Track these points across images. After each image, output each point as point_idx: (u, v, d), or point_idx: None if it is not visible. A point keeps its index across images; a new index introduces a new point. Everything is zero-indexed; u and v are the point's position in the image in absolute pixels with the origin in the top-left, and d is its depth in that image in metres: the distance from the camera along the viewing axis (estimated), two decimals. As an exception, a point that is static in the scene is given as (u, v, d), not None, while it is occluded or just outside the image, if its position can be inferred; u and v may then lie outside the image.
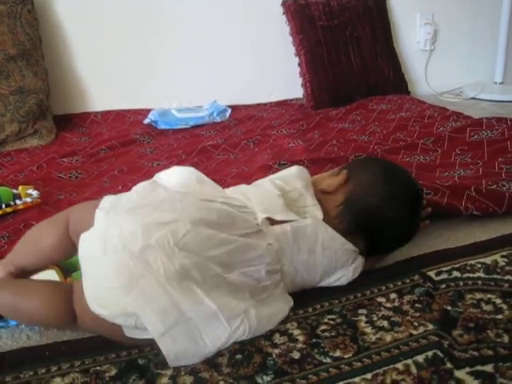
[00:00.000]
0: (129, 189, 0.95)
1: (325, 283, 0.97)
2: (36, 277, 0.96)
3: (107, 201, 0.89)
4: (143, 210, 0.85)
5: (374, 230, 0.98)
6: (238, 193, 0.96)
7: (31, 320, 0.89)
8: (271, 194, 0.96)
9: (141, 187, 0.92)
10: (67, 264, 1.00)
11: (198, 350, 0.78)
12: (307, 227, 0.92)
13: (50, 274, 0.98)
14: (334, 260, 0.95)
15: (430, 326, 0.86)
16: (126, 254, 0.79)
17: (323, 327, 0.87)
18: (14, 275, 0.93)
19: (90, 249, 0.84)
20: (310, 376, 0.77)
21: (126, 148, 1.89)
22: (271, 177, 1.04)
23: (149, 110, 2.19)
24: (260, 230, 0.90)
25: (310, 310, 0.92)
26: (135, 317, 0.79)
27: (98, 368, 0.80)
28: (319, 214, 0.96)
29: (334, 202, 0.99)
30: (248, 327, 0.81)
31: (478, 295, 0.93)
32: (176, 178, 0.96)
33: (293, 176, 1.03)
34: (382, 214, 0.97)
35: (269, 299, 0.88)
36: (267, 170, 1.48)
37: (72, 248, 0.89)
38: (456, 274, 1.00)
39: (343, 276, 0.97)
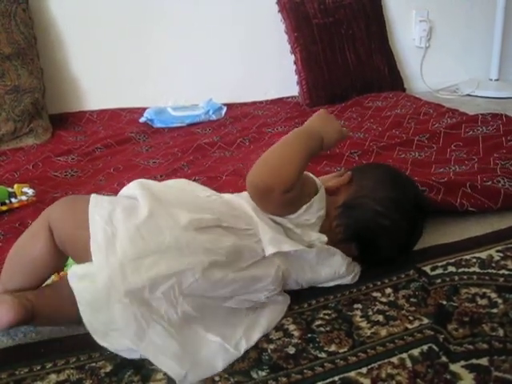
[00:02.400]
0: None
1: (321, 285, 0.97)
2: None
3: (100, 228, 0.79)
4: (149, 259, 0.78)
5: (368, 237, 0.95)
6: (241, 214, 0.90)
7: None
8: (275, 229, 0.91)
9: (142, 224, 0.80)
10: None
11: (213, 373, 0.78)
12: (310, 251, 0.91)
13: None
14: (337, 275, 0.95)
15: (426, 320, 0.86)
16: (133, 306, 0.76)
17: (318, 322, 0.87)
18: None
19: (91, 295, 0.78)
20: (305, 371, 0.77)
21: (122, 146, 1.90)
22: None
23: (144, 109, 2.20)
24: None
25: (306, 305, 0.92)
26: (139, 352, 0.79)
27: (94, 364, 0.80)
28: (324, 240, 0.92)
29: (333, 204, 0.97)
30: (253, 342, 0.82)
31: (473, 289, 0.94)
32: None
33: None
34: (378, 222, 0.94)
35: (267, 303, 0.89)
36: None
37: (63, 255, 0.85)
38: (451, 268, 1.01)
39: (341, 282, 0.97)
